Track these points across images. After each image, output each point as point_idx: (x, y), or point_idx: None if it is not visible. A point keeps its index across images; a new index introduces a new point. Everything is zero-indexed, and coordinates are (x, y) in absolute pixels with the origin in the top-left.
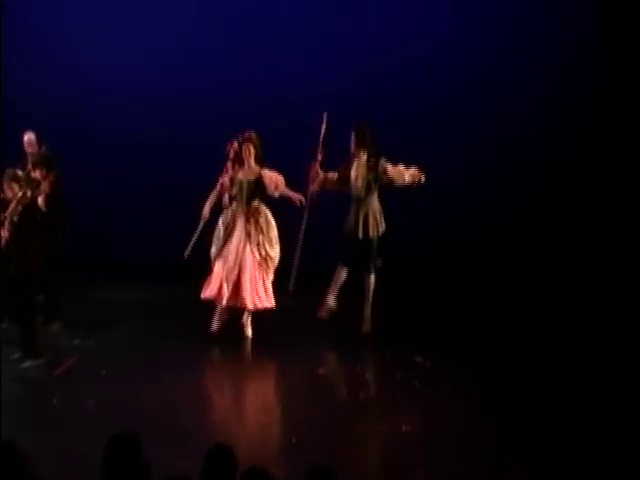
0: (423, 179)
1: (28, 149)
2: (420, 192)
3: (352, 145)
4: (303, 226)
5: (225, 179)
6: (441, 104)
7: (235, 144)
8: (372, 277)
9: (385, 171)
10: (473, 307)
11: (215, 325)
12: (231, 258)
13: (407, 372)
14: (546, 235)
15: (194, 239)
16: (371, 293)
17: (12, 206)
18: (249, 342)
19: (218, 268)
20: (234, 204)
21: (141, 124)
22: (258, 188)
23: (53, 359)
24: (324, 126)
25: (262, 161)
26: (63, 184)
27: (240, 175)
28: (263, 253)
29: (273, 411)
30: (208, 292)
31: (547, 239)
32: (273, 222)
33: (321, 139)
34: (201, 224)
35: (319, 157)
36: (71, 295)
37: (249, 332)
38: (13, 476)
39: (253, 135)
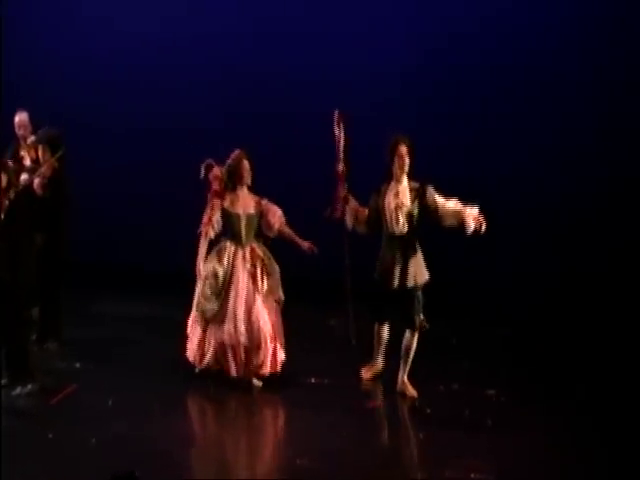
0: (484, 227)
1: (20, 132)
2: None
3: (393, 165)
4: (347, 268)
5: (217, 216)
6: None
7: (216, 169)
8: (414, 336)
9: (435, 204)
10: (566, 336)
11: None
12: (241, 315)
13: (477, 408)
14: None
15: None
16: (411, 355)
17: None
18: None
19: (218, 331)
20: (228, 244)
21: (156, 127)
22: (258, 224)
23: (49, 385)
24: (338, 129)
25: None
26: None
27: (236, 208)
28: (277, 296)
29: (311, 452)
30: (208, 359)
31: None
32: (272, 260)
33: (340, 146)
34: (199, 285)
35: (340, 169)
36: (69, 309)
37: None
38: None
39: (244, 153)
